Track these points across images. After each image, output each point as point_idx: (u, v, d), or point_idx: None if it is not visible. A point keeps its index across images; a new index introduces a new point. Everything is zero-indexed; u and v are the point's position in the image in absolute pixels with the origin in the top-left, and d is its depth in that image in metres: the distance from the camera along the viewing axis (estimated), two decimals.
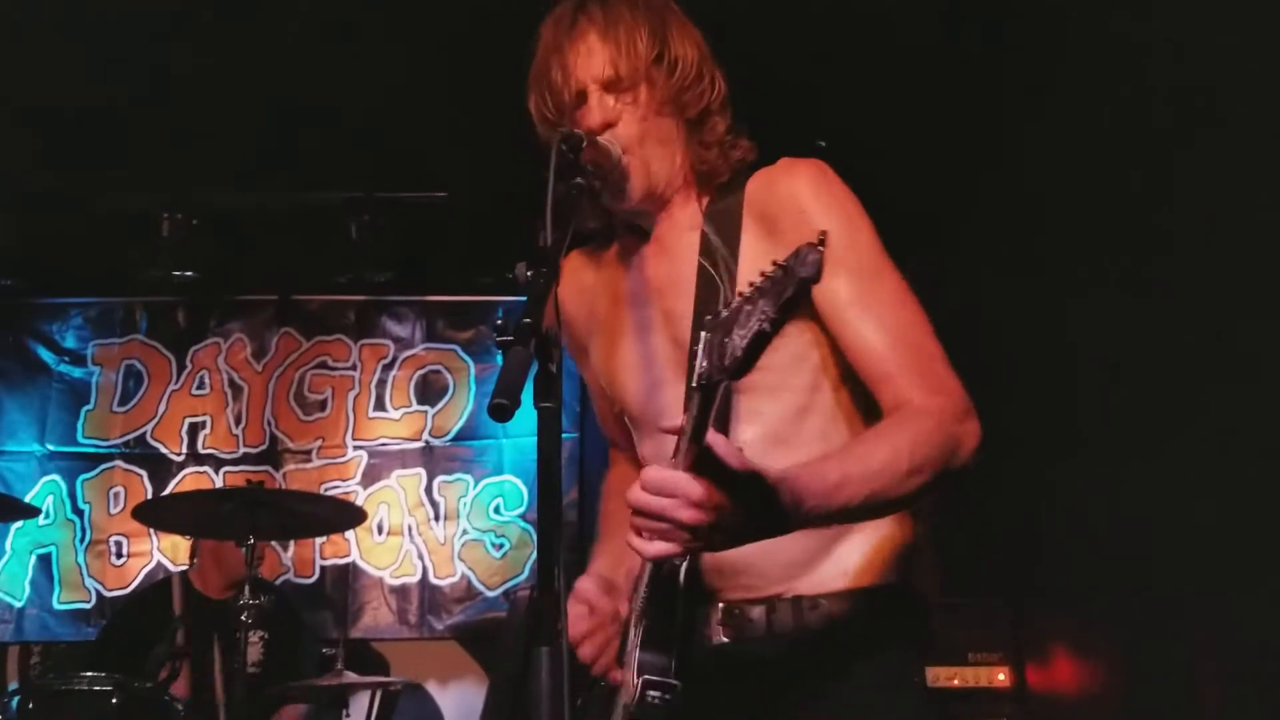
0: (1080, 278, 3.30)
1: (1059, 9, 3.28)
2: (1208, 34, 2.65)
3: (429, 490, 4.77)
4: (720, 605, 1.53)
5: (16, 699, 2.91)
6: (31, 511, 3.59)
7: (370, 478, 4.73)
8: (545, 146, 1.53)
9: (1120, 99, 3.10)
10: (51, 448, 4.70)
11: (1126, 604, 3.07)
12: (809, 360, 1.53)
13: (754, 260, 1.48)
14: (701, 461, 1.21)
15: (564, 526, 4.24)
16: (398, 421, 4.86)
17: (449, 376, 4.92)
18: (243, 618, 2.98)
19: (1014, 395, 3.80)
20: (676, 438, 1.28)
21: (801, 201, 1.51)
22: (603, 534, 1.79)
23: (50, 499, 4.58)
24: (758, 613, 1.51)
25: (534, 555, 4.68)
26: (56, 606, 4.53)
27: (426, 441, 4.82)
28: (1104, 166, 3.17)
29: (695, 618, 1.49)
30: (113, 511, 4.65)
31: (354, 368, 4.92)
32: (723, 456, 1.19)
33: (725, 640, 1.52)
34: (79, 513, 4.64)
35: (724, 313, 1.15)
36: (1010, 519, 3.78)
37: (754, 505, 1.23)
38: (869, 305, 1.46)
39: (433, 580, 4.66)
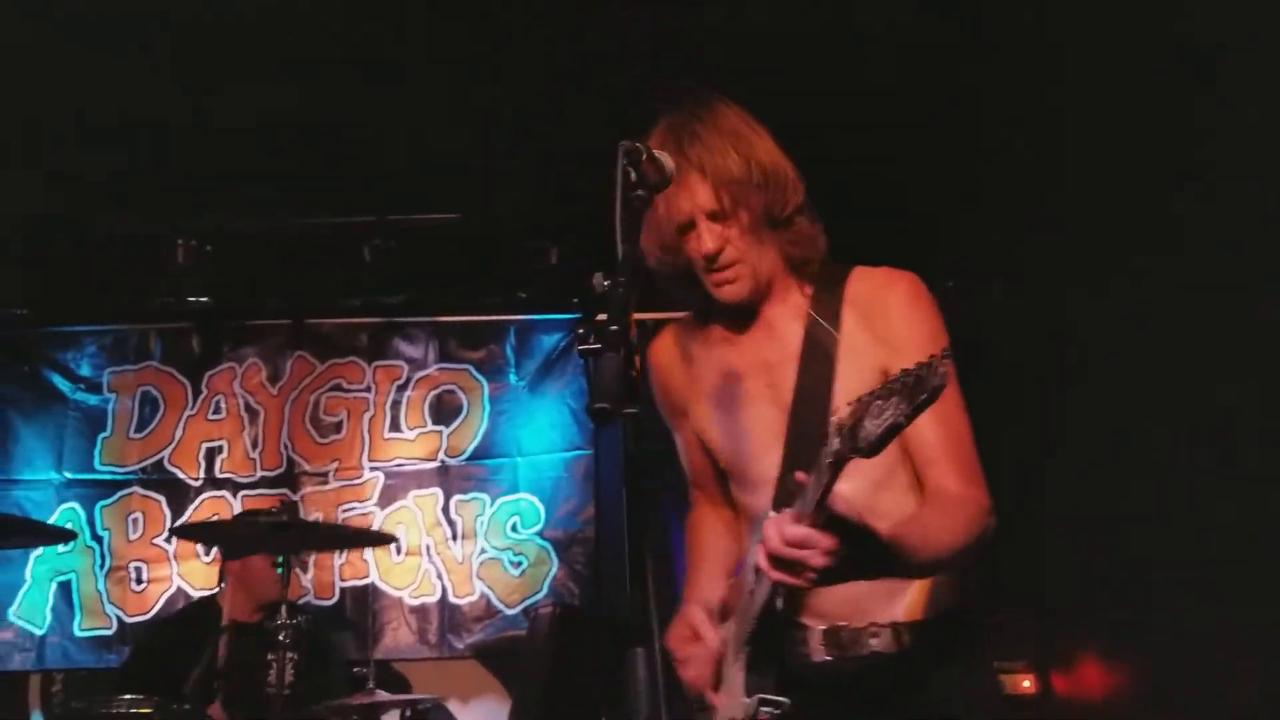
0: (1086, 280, 3.34)
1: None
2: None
3: (446, 510, 4.79)
4: (821, 630, 1.79)
5: None
6: (68, 535, 3.60)
7: (387, 498, 4.75)
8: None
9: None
10: (69, 475, 4.71)
11: (1154, 607, 3.10)
12: (896, 440, 1.74)
13: (852, 348, 1.81)
14: (828, 519, 1.47)
15: (584, 542, 4.25)
16: (413, 442, 4.88)
17: (462, 396, 4.95)
18: (280, 638, 2.99)
19: (1034, 401, 3.85)
20: (795, 490, 1.53)
21: (901, 311, 1.81)
22: (693, 566, 2.05)
23: (69, 526, 4.57)
24: (860, 636, 1.78)
25: (552, 572, 4.70)
26: (77, 634, 4.53)
27: (442, 461, 4.84)
28: (1100, 156, 3.21)
29: (792, 640, 1.78)
30: (132, 537, 4.66)
31: (368, 389, 4.94)
32: (848, 516, 1.46)
33: (828, 659, 1.78)
34: (98, 539, 4.64)
35: (855, 406, 1.41)
36: (1034, 525, 3.81)
37: (861, 554, 1.49)
38: (936, 406, 1.69)
39: (452, 599, 4.67)
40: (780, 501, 1.74)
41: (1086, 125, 3.33)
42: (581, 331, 1.43)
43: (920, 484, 1.78)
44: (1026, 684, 3.62)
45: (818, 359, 1.81)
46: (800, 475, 1.50)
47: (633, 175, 1.58)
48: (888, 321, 1.79)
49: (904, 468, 1.80)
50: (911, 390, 1.34)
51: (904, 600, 1.78)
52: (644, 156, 1.62)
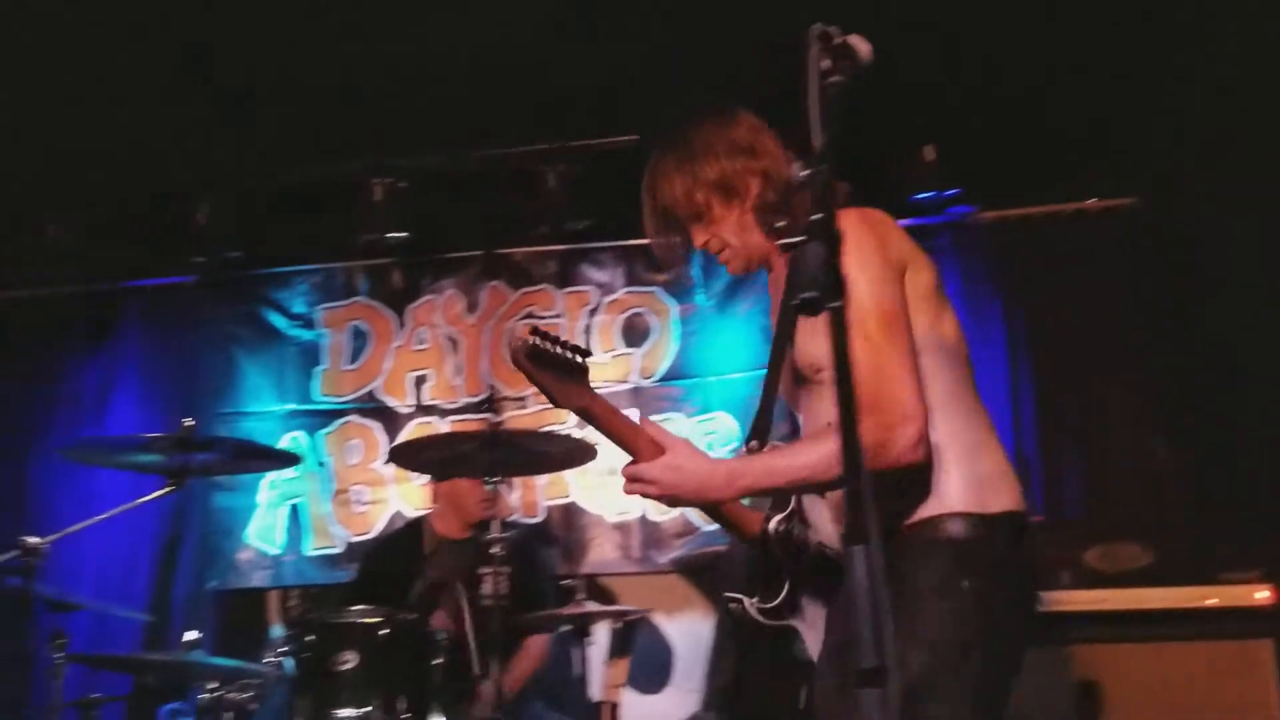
0: None
1: None
2: None
3: None
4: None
5: (298, 633, 3.13)
6: (293, 459, 3.87)
7: None
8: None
9: None
10: (291, 406, 5.02)
11: None
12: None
13: None
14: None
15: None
16: (606, 365, 4.94)
17: (652, 318, 4.98)
18: (493, 551, 3.11)
19: (1255, 311, 3.59)
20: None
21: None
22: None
23: None
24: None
25: None
26: (308, 553, 4.86)
27: (635, 383, 4.90)
28: None
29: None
30: (351, 462, 4.94)
31: (560, 316, 5.03)
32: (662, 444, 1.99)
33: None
34: (321, 465, 4.94)
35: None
36: (1262, 430, 3.58)
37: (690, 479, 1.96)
38: (855, 332, 1.79)
39: (651, 517, 4.75)
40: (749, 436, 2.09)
41: None
42: (780, 227, 1.39)
43: None
44: (1262, 595, 3.40)
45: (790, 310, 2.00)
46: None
47: (826, 61, 1.54)
48: None
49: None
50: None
51: (913, 505, 1.93)
52: (836, 41, 1.57)
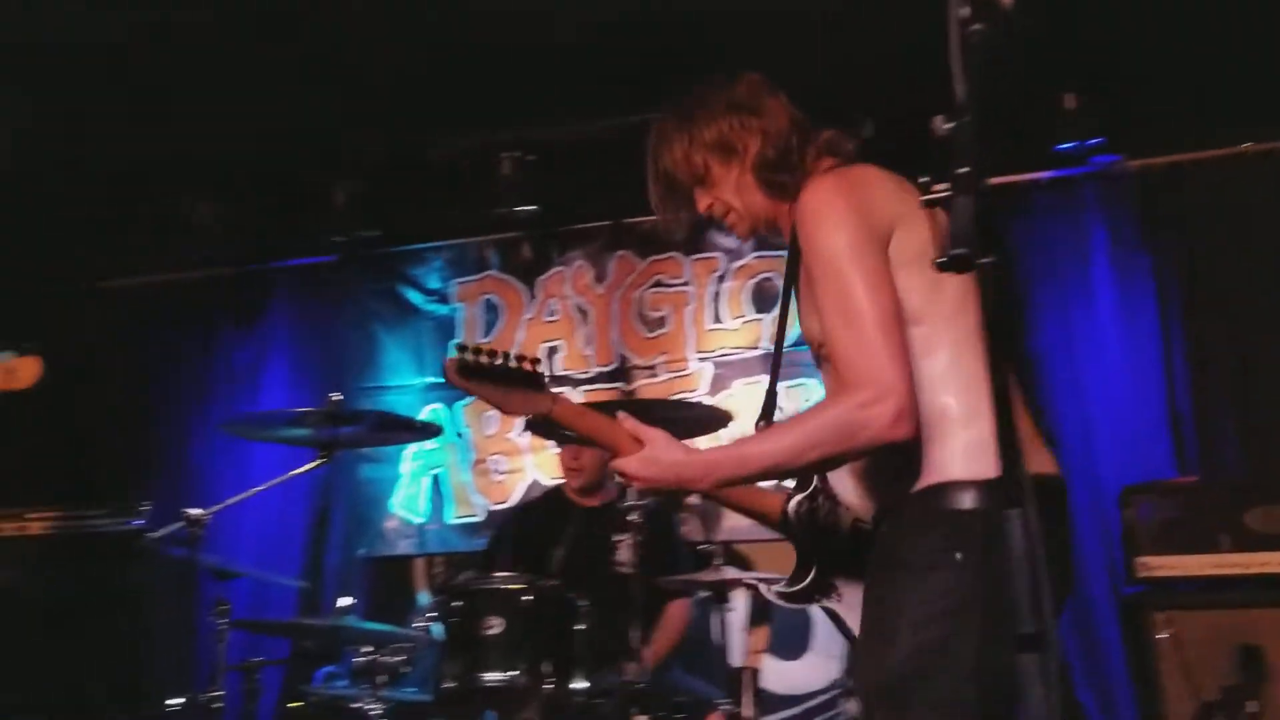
0: None
1: None
2: None
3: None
4: (853, 518, 2.05)
5: (446, 599, 3.24)
6: (434, 430, 4.00)
7: (716, 387, 4.85)
8: None
9: None
10: (430, 379, 5.16)
11: None
12: None
13: (801, 259, 1.97)
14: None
15: None
16: (736, 331, 4.94)
17: (781, 283, 4.92)
18: (629, 518, 3.15)
19: None
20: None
21: (802, 221, 1.92)
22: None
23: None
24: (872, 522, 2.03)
25: None
26: (450, 521, 5.00)
27: (766, 349, 4.86)
28: None
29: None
30: (488, 433, 5.05)
31: (688, 283, 5.03)
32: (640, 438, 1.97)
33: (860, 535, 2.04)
34: (460, 436, 5.07)
35: None
36: None
37: (688, 472, 1.92)
38: (823, 307, 1.86)
39: (784, 484, 4.71)
40: (759, 417, 2.16)
41: None
42: (923, 181, 1.36)
43: None
44: None
45: (793, 273, 2.04)
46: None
47: (966, 9, 1.49)
48: (800, 231, 1.94)
49: None
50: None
51: (912, 478, 1.85)
52: None
